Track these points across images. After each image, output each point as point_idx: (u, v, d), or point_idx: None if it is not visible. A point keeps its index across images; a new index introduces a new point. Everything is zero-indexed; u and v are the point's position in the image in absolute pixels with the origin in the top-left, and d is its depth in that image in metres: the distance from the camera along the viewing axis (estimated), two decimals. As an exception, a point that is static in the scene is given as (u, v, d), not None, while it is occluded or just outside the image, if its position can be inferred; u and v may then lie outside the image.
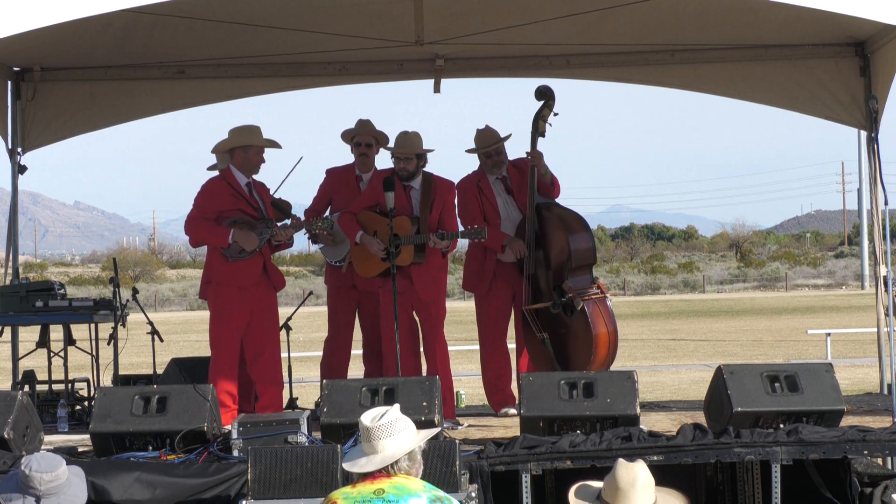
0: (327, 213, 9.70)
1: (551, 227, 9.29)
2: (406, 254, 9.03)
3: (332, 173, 9.81)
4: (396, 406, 4.96)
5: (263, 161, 9.09)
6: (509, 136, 9.55)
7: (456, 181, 9.55)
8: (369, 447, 4.84)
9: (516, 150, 9.62)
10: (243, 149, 9.02)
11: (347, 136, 9.77)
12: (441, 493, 4.81)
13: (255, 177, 9.16)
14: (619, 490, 4.84)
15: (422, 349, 9.37)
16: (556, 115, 9.41)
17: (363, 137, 9.68)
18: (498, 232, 9.43)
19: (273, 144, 9.18)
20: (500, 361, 9.62)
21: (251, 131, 9.06)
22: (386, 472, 4.81)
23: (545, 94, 9.40)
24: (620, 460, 4.93)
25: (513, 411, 9.43)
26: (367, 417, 4.89)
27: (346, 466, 4.90)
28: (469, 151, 9.61)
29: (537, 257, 9.31)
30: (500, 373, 9.62)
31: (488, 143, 9.49)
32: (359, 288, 9.60)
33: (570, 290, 9.08)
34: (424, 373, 9.23)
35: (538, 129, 9.39)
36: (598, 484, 5.00)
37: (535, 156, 9.33)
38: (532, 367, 9.37)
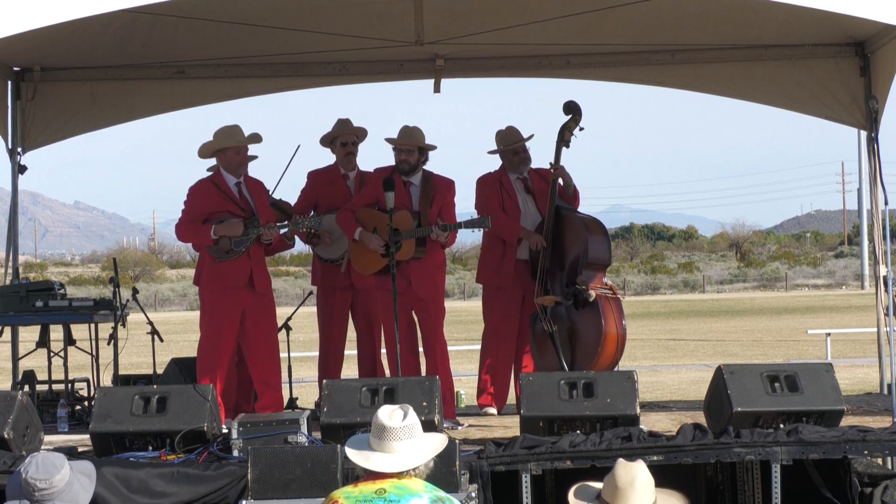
0: (311, 213, 9.71)
1: (570, 227, 9.36)
2: (407, 248, 9.04)
3: (315, 175, 9.81)
4: (411, 410, 4.89)
5: (245, 160, 9.05)
6: (532, 136, 9.64)
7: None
8: (383, 446, 4.79)
9: (538, 156, 9.74)
10: (222, 151, 9.05)
11: (327, 139, 9.80)
12: (442, 493, 4.81)
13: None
14: (618, 490, 4.84)
15: (421, 349, 9.38)
16: (581, 129, 9.53)
17: (347, 137, 9.75)
18: (516, 224, 9.47)
19: (250, 140, 9.07)
20: (502, 359, 9.64)
21: (225, 133, 9.04)
22: (397, 473, 4.79)
23: (573, 109, 9.55)
24: (620, 460, 4.93)
25: (492, 411, 9.51)
26: (386, 416, 4.83)
27: (358, 460, 4.81)
28: (492, 152, 9.68)
29: (553, 256, 9.36)
30: (495, 370, 9.64)
31: (514, 140, 9.61)
32: (355, 286, 9.61)
33: (582, 282, 9.14)
34: (424, 372, 9.24)
35: (563, 138, 9.54)
36: (597, 484, 5.00)
37: (558, 169, 9.42)
38: (536, 366, 9.40)
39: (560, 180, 9.46)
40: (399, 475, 4.78)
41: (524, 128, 9.69)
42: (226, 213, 8.97)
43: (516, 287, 9.57)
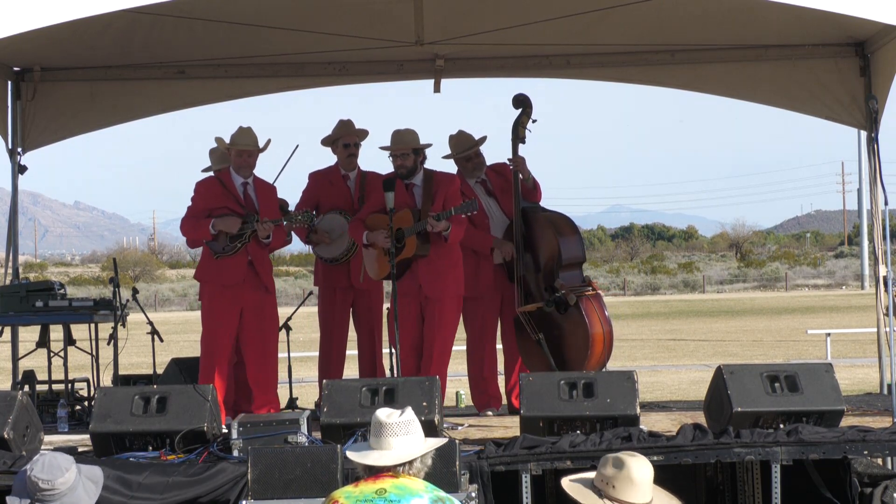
0: (314, 213, 9.74)
1: (539, 230, 9.34)
2: (410, 245, 9.04)
3: (316, 176, 9.84)
4: (410, 409, 4.94)
5: (245, 162, 9.11)
6: (484, 137, 9.63)
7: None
8: (380, 443, 4.81)
9: (497, 156, 9.71)
10: (229, 150, 9.18)
11: (329, 140, 9.83)
12: (443, 493, 4.81)
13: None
14: (634, 484, 4.79)
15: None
16: (534, 121, 9.51)
17: (349, 138, 9.77)
18: (487, 234, 9.47)
19: (246, 145, 9.12)
20: (488, 363, 9.64)
21: (235, 135, 9.15)
22: (393, 472, 4.80)
23: (523, 102, 9.52)
24: (624, 453, 4.89)
25: (491, 413, 9.52)
26: (383, 413, 4.87)
27: (356, 458, 4.85)
28: (446, 157, 9.67)
29: (526, 260, 9.35)
30: (486, 374, 9.64)
31: (466, 146, 9.59)
32: (356, 286, 9.61)
33: (562, 287, 9.12)
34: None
35: (518, 135, 9.52)
36: (588, 475, 4.96)
37: (517, 161, 9.40)
38: (527, 370, 9.38)
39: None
40: (396, 473, 4.79)
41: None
42: (226, 209, 9.03)
43: (495, 294, 9.57)
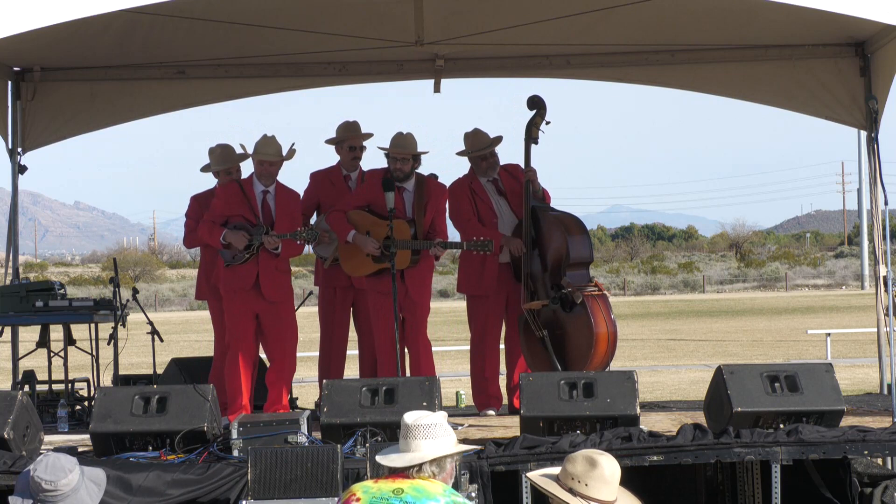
0: (314, 217, 9.74)
1: (548, 228, 9.34)
2: (402, 258, 9.06)
3: (317, 176, 9.86)
4: (443, 413, 4.95)
5: (267, 171, 9.13)
6: (500, 137, 9.64)
7: (455, 182, 9.59)
8: (404, 444, 4.85)
9: (508, 155, 9.70)
10: (251, 158, 9.23)
11: (334, 140, 9.84)
12: (460, 498, 4.79)
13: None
14: (607, 483, 4.75)
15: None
16: (548, 123, 9.54)
17: (356, 142, 9.78)
18: (495, 231, 9.48)
19: (269, 156, 9.14)
20: (489, 363, 9.65)
21: (258, 144, 9.17)
22: (408, 473, 4.80)
23: (537, 104, 9.53)
24: (592, 451, 4.82)
25: (492, 412, 9.53)
26: (411, 416, 4.90)
27: (378, 458, 4.92)
28: (460, 154, 9.67)
29: (534, 258, 9.36)
30: (487, 374, 9.66)
31: (483, 146, 9.58)
32: (356, 286, 9.63)
33: (568, 285, 9.12)
34: (408, 370, 9.28)
35: (531, 135, 9.54)
36: (551, 470, 4.92)
37: (530, 172, 9.41)
38: (529, 370, 9.39)
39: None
40: (409, 475, 4.79)
41: (521, 130, 9.65)
42: (241, 218, 9.05)
43: (499, 293, 9.58)
